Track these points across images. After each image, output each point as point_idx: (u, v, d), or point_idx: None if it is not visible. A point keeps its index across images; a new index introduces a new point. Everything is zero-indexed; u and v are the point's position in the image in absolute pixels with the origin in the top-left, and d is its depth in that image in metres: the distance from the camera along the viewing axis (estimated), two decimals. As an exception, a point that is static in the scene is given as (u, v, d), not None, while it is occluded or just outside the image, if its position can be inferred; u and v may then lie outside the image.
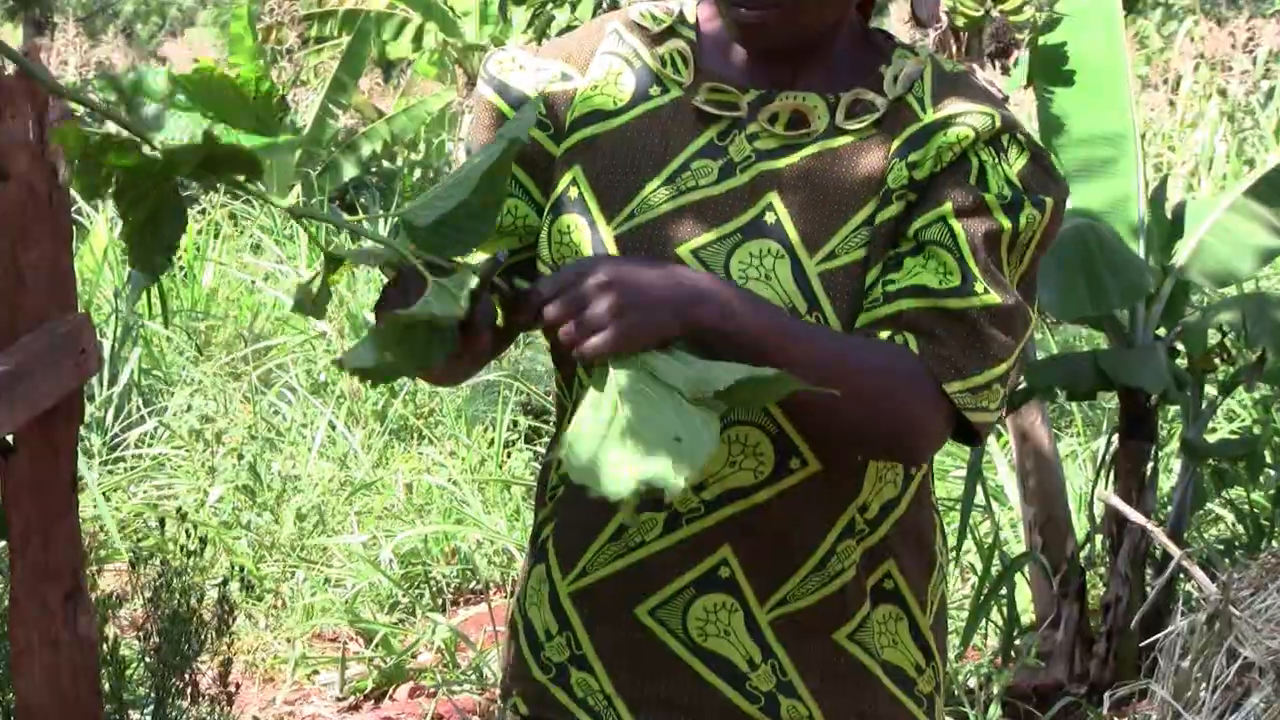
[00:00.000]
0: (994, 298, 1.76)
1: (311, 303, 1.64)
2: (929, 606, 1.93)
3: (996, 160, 1.79)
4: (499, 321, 1.72)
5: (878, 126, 1.83)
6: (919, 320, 1.76)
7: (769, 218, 1.80)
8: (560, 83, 1.89)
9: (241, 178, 1.51)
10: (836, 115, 1.83)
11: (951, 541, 5.43)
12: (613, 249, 1.81)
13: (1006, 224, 1.77)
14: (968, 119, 1.79)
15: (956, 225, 1.77)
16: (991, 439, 5.02)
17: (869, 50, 1.88)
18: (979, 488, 4.92)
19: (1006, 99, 5.11)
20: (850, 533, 1.84)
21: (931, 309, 1.76)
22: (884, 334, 1.77)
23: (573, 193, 1.85)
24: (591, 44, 1.91)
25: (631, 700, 1.86)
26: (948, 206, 1.77)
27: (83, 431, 5.88)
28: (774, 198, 1.81)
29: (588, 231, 1.83)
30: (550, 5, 10.93)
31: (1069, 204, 4.90)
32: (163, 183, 1.51)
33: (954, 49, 5.06)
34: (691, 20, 1.91)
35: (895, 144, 1.81)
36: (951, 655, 4.90)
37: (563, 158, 1.87)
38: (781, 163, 1.82)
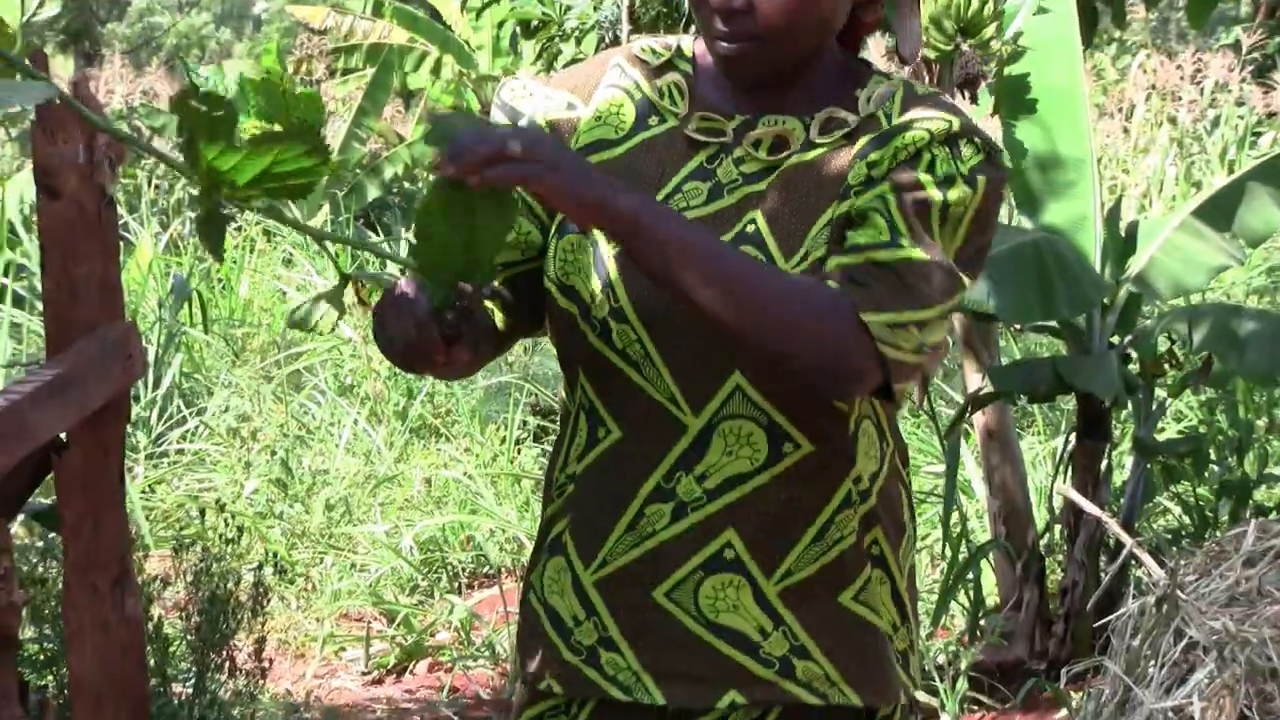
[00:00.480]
0: (918, 253, 1.77)
1: (306, 320, 1.72)
2: (904, 570, 1.94)
3: (950, 156, 1.80)
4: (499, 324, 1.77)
5: (848, 139, 1.84)
6: (849, 270, 1.77)
7: (750, 229, 1.81)
8: (566, 111, 1.91)
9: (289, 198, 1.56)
10: (811, 131, 1.84)
11: (925, 530, 5.45)
12: (613, 267, 1.82)
13: (937, 197, 1.78)
14: (925, 123, 1.81)
15: (890, 196, 1.78)
16: (960, 438, 5.02)
17: (848, 77, 1.89)
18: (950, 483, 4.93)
19: (974, 125, 5.14)
20: (848, 503, 1.86)
21: (861, 261, 1.77)
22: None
23: None
24: (596, 77, 1.93)
25: (657, 674, 1.86)
26: (887, 184, 1.79)
27: (129, 430, 5.89)
28: (756, 214, 1.82)
29: (591, 250, 1.84)
30: (557, 39, 10.93)
31: (1031, 223, 4.90)
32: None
33: (927, 79, 5.07)
34: (689, 54, 1.92)
35: (858, 147, 1.82)
36: (923, 634, 4.90)
37: None
38: (764, 184, 1.83)
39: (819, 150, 1.84)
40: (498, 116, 1.93)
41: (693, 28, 1.91)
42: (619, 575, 1.87)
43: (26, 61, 1.42)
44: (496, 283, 1.85)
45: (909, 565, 1.95)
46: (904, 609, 1.93)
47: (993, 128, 5.45)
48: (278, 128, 1.61)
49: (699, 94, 1.89)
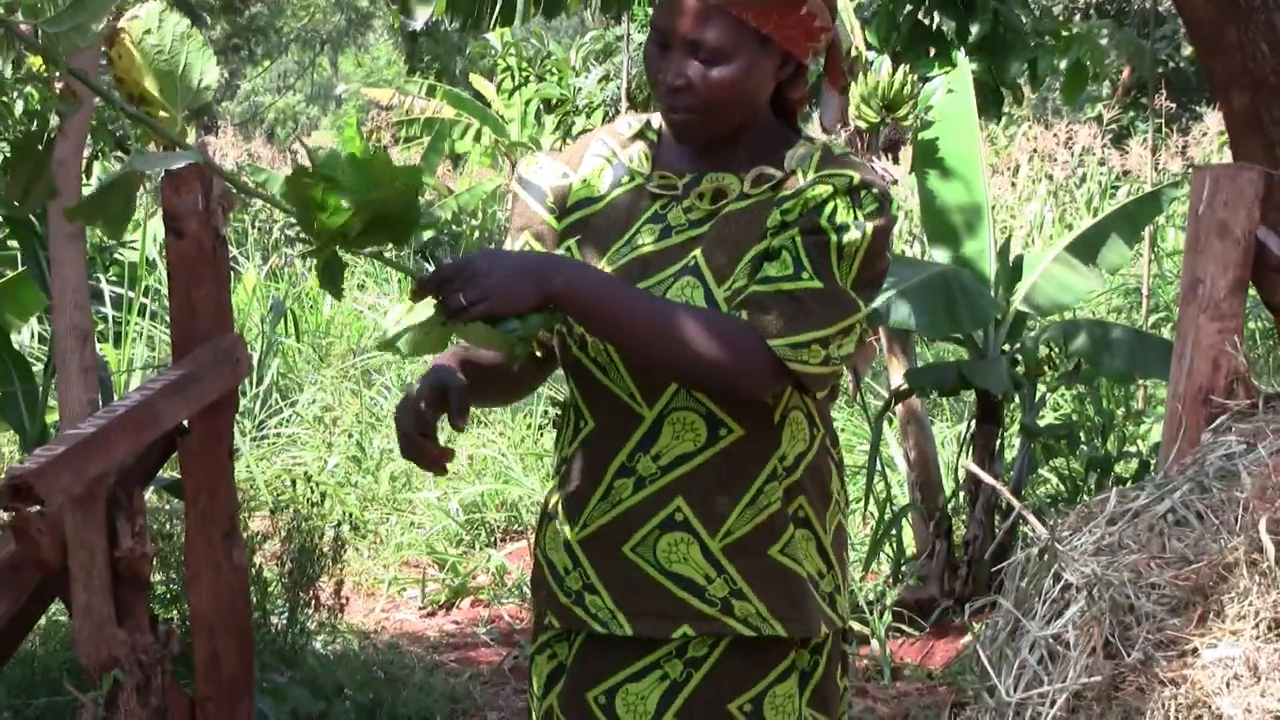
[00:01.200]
0: (816, 283, 1.77)
1: (396, 342, 1.73)
2: (829, 529, 1.91)
3: (850, 204, 1.79)
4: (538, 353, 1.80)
5: (773, 191, 1.84)
6: (760, 299, 1.78)
7: (691, 263, 1.82)
8: (561, 179, 1.93)
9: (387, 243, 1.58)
10: (745, 184, 1.84)
11: (858, 495, 5.44)
12: None
13: (833, 238, 1.78)
14: (832, 178, 1.80)
15: (798, 237, 1.78)
16: (885, 423, 5.01)
17: (779, 140, 1.88)
18: (876, 459, 4.93)
19: (895, 181, 5.13)
20: (774, 477, 1.84)
21: (770, 291, 1.77)
22: (739, 313, 1.78)
23: (569, 255, 1.88)
24: (582, 150, 1.95)
25: (627, 612, 1.85)
26: (795, 228, 1.78)
27: (237, 418, 5.87)
28: (697, 252, 1.82)
29: None
30: (571, 114, 10.90)
31: (941, 256, 4.87)
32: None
33: (860, 145, 5.06)
34: (655, 127, 1.93)
35: (776, 197, 1.82)
36: (856, 578, 4.89)
37: (564, 230, 1.90)
38: (705, 228, 1.84)
39: (750, 200, 1.84)
40: (515, 185, 1.97)
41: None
42: (596, 535, 1.86)
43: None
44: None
45: (835, 525, 1.93)
46: (829, 559, 1.91)
47: (911, 182, 5.45)
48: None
49: (660, 157, 1.90)
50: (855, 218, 1.78)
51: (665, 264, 1.82)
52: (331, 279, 1.62)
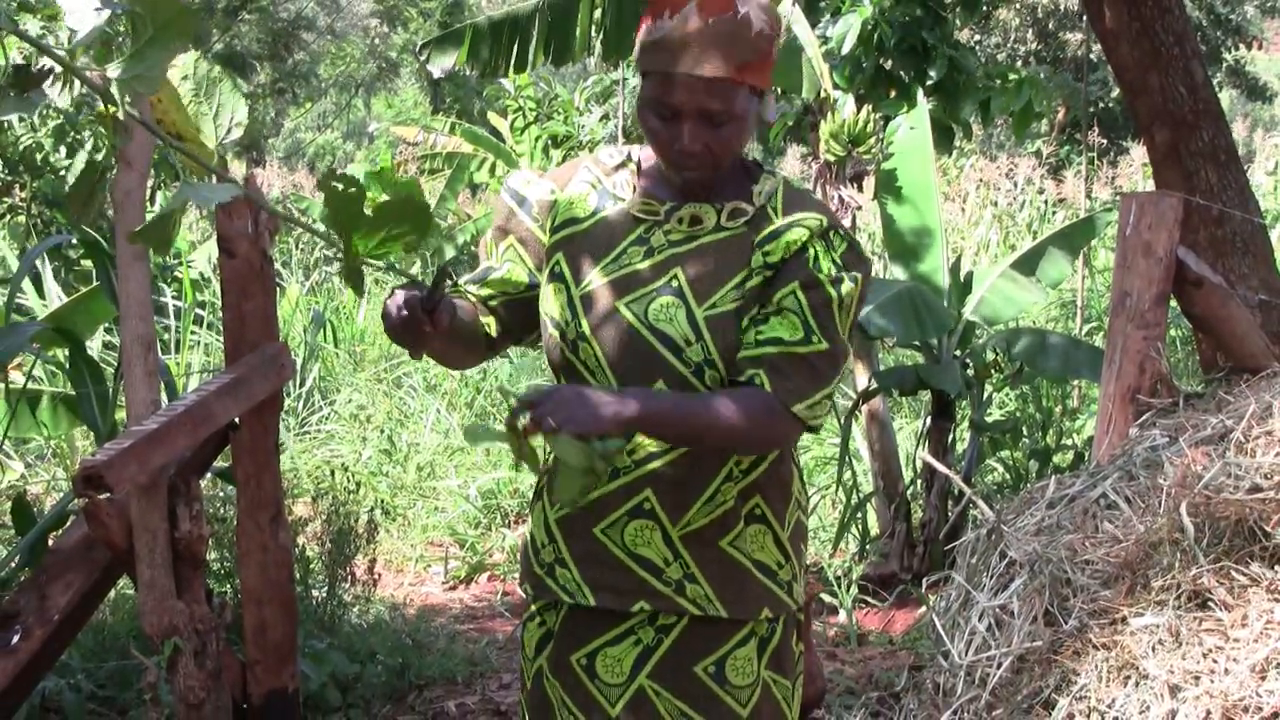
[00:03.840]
0: (824, 345, 1.77)
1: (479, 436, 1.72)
2: (787, 525, 1.90)
3: (826, 249, 1.79)
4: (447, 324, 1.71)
5: (748, 225, 1.82)
6: (776, 361, 1.77)
7: (674, 283, 1.80)
8: (549, 195, 1.92)
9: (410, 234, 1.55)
10: (721, 218, 1.83)
11: (827, 483, 5.44)
12: (580, 306, 1.83)
13: (834, 294, 1.78)
14: (805, 221, 1.80)
15: (802, 296, 1.77)
16: (852, 420, 5.01)
17: (745, 174, 1.87)
18: (846, 452, 4.92)
19: (860, 207, 5.14)
20: (730, 478, 1.83)
21: (784, 353, 1.77)
22: (750, 370, 1.77)
23: (558, 269, 1.87)
24: (570, 173, 1.94)
25: (593, 586, 1.85)
26: (796, 284, 1.77)
27: (283, 415, 5.87)
28: (677, 270, 1.81)
29: (565, 293, 1.85)
30: (575, 148, 10.89)
31: (902, 273, 4.87)
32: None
33: (829, 175, 5.07)
34: (636, 159, 1.92)
35: (757, 239, 1.81)
36: (826, 555, 4.89)
37: (552, 246, 1.88)
38: (683, 249, 1.83)
39: (727, 233, 1.82)
40: (504, 195, 1.94)
41: (643, 142, 1.89)
42: (572, 516, 1.86)
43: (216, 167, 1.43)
44: (494, 303, 1.89)
45: (794, 521, 1.91)
46: (786, 552, 1.89)
47: (873, 207, 5.45)
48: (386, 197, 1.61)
49: (641, 186, 1.89)
50: (839, 264, 1.78)
51: (651, 279, 1.81)
52: (354, 281, 1.63)
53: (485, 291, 1.89)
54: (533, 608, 1.96)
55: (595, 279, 1.83)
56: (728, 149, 1.76)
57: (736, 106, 1.74)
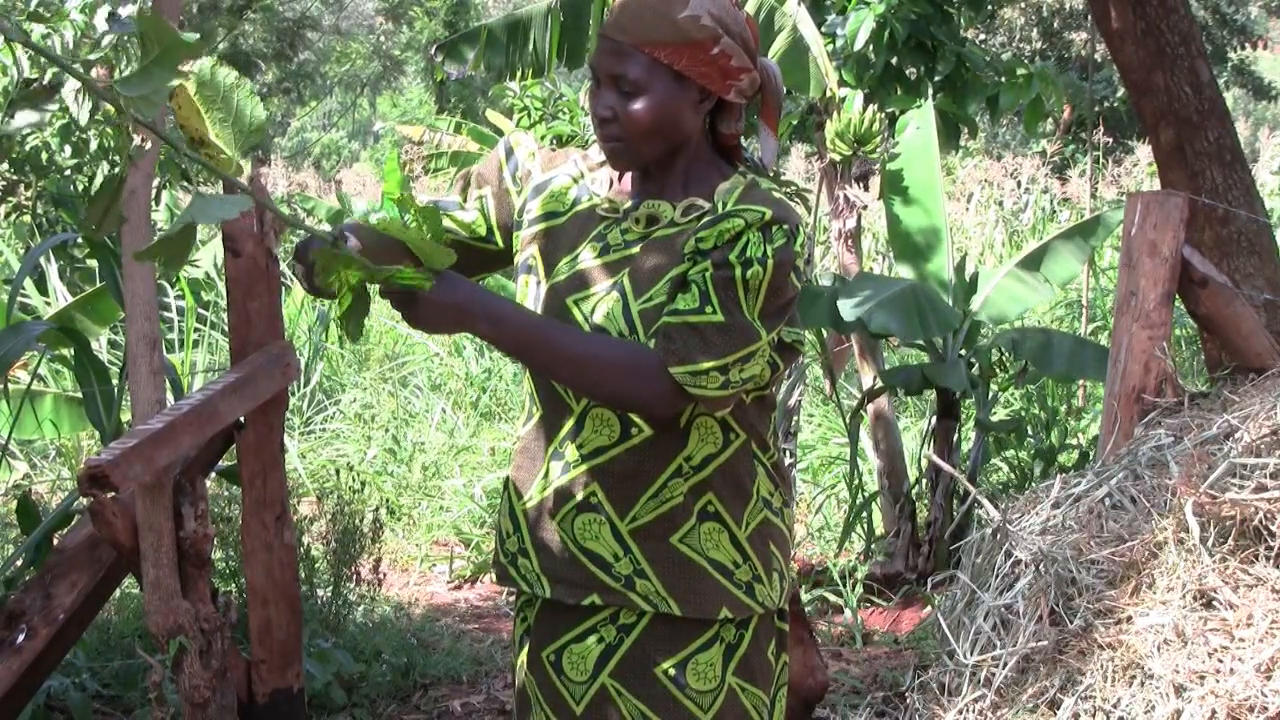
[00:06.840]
0: (718, 317, 1.74)
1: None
2: (745, 525, 1.86)
3: (761, 239, 1.75)
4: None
5: (699, 221, 1.81)
6: (667, 329, 1.75)
7: (622, 282, 1.80)
8: (541, 173, 1.93)
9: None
10: (676, 213, 1.82)
11: (834, 482, 5.43)
12: (542, 300, 1.84)
13: (738, 272, 1.74)
14: (745, 213, 1.76)
15: (708, 272, 1.75)
16: (858, 419, 5.00)
17: (714, 173, 1.85)
18: (854, 451, 4.92)
19: (865, 207, 5.13)
20: (679, 474, 1.81)
21: (678, 322, 1.74)
22: (652, 342, 1.76)
23: (531, 263, 1.88)
24: (560, 160, 1.94)
25: (551, 577, 1.86)
26: (708, 262, 1.75)
27: (288, 414, 5.87)
28: (627, 269, 1.81)
29: (534, 287, 1.86)
30: (579, 146, 10.91)
31: (907, 273, 4.85)
32: (366, 281, 1.62)
33: (834, 174, 5.06)
34: None
35: (695, 227, 1.79)
36: (831, 555, 4.89)
37: (529, 238, 1.89)
38: (636, 249, 1.82)
39: (678, 228, 1.81)
40: (499, 150, 1.96)
41: None
42: (533, 508, 1.87)
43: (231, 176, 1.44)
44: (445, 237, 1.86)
45: (757, 521, 1.87)
46: (745, 552, 1.85)
47: (879, 207, 5.45)
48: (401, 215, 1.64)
49: (618, 185, 1.89)
50: (762, 252, 1.75)
51: (601, 279, 1.82)
52: (354, 323, 1.65)
53: (445, 223, 1.91)
54: (518, 604, 1.97)
55: (557, 275, 1.85)
56: (637, 124, 1.75)
57: (646, 80, 1.74)
